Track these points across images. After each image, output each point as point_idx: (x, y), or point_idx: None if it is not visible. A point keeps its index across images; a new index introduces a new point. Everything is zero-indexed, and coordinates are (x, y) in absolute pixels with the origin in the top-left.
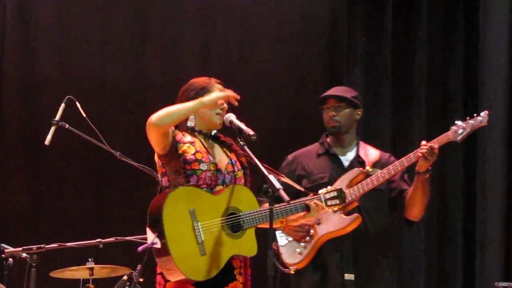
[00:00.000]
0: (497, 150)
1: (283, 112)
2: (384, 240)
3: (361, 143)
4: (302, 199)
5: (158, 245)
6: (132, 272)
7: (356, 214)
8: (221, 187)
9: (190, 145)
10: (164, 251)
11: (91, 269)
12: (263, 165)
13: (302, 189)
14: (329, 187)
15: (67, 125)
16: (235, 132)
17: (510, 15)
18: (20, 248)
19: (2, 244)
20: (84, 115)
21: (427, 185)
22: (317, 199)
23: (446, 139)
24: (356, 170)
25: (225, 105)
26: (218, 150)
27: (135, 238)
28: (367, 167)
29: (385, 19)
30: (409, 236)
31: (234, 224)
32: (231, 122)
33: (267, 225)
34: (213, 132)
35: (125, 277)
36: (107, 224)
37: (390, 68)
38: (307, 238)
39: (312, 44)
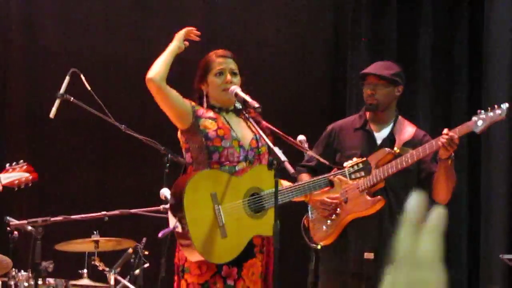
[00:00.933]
0: (500, 126)
1: (287, 90)
2: None
3: (400, 119)
4: (326, 174)
5: (179, 229)
6: (137, 245)
7: (379, 196)
8: (244, 163)
9: (213, 121)
10: (185, 235)
11: (97, 241)
12: (284, 136)
13: (327, 163)
14: (354, 159)
15: (72, 98)
16: (240, 104)
17: None
18: (25, 221)
19: (7, 217)
20: (89, 88)
21: (450, 171)
22: (341, 174)
23: (466, 129)
24: (383, 151)
25: (229, 77)
26: (242, 125)
27: (140, 211)
28: (395, 148)
29: None
30: None
31: (256, 204)
32: (236, 94)
33: (297, 199)
34: (237, 105)
35: (130, 250)
36: (112, 197)
37: (395, 45)
38: (334, 216)
39: (317, 22)
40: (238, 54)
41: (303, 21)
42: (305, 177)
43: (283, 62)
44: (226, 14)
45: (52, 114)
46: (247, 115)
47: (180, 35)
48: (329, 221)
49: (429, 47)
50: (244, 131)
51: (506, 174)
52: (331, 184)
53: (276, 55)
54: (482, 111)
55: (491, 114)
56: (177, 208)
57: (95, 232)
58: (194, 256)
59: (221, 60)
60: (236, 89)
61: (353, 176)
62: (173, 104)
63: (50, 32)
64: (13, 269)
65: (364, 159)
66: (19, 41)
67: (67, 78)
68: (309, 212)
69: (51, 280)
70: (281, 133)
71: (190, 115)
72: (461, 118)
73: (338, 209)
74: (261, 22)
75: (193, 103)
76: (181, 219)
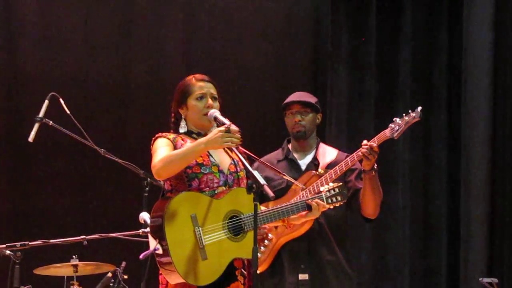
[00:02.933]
0: (480, 145)
1: (267, 109)
2: (340, 236)
3: (321, 145)
4: (304, 198)
5: (160, 251)
6: (117, 269)
7: None
8: (224, 188)
9: None
10: (165, 257)
11: (75, 266)
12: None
13: (303, 186)
14: (330, 184)
15: (51, 122)
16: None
17: (494, 10)
18: (4, 245)
19: None
20: (68, 112)
21: (376, 183)
22: (319, 198)
23: (384, 137)
24: (309, 173)
25: (210, 102)
26: (219, 150)
27: (119, 234)
28: (319, 170)
29: (369, 15)
30: (393, 232)
31: (235, 227)
32: (215, 118)
33: (271, 224)
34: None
35: (109, 274)
36: (91, 221)
37: (374, 64)
38: (266, 242)
39: (297, 41)
40: (218, 76)
41: (283, 43)
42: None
43: (263, 84)
44: (206, 36)
45: (31, 138)
46: None
47: (217, 143)
48: (262, 248)
49: (409, 67)
50: (222, 156)
51: (486, 198)
52: (308, 207)
53: (256, 76)
54: (398, 118)
55: (406, 118)
56: (158, 229)
57: (74, 256)
58: (174, 279)
59: (202, 84)
60: (215, 112)
61: (329, 201)
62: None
63: (30, 56)
64: None
65: (340, 184)
66: None
67: (46, 102)
68: None
69: None
70: (257, 158)
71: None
72: (441, 136)
73: (270, 234)
74: (241, 43)
75: (170, 137)
76: (161, 241)
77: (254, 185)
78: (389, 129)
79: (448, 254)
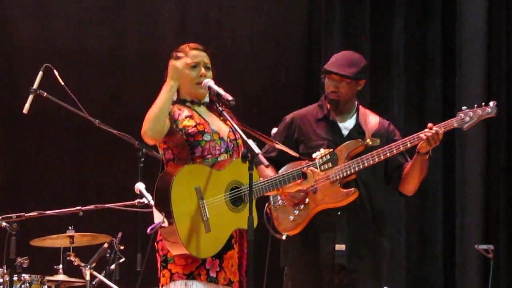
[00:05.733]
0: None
1: (261, 79)
2: (379, 211)
3: (361, 109)
4: (299, 167)
5: (166, 224)
6: (113, 240)
7: (353, 188)
8: (226, 155)
9: (190, 119)
10: (171, 229)
11: (72, 237)
12: (248, 130)
13: (297, 155)
14: (322, 150)
15: (45, 93)
16: (214, 97)
17: None
18: (0, 217)
19: None
20: (62, 83)
21: (425, 165)
22: (313, 166)
23: (451, 126)
24: (355, 142)
25: (203, 71)
26: (215, 119)
27: (115, 205)
28: (367, 140)
29: None
30: (389, 201)
31: (236, 198)
32: (209, 87)
33: (270, 193)
34: (206, 99)
35: (105, 245)
36: (87, 191)
37: (368, 33)
38: (302, 206)
39: (290, 11)
40: (212, 45)
41: (277, 13)
42: (269, 172)
43: (257, 54)
44: (200, 5)
45: (25, 110)
46: (220, 108)
47: (177, 72)
48: (296, 211)
49: (403, 38)
50: (219, 124)
51: (481, 163)
52: (304, 176)
53: (250, 45)
54: (467, 109)
55: (479, 111)
56: (163, 203)
57: (70, 227)
58: (177, 250)
59: (195, 53)
60: (209, 82)
61: (322, 168)
62: (163, 134)
63: (23, 27)
64: None
65: (331, 150)
66: None
67: (40, 73)
68: (272, 201)
69: (26, 276)
70: (249, 128)
71: (168, 124)
72: (435, 107)
73: (307, 199)
74: (235, 11)
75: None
76: (167, 214)
77: (249, 154)
78: (458, 118)
79: (444, 222)
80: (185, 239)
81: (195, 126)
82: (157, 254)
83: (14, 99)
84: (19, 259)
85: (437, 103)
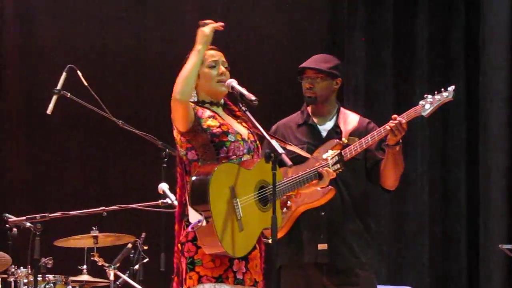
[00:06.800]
0: (499, 113)
1: (283, 79)
2: (361, 206)
3: (342, 110)
4: (314, 167)
5: (204, 223)
6: (137, 240)
7: (329, 186)
8: (248, 156)
9: (213, 119)
10: (209, 228)
11: (96, 237)
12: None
13: (309, 156)
14: (330, 152)
15: (69, 94)
16: (237, 97)
17: None
18: (24, 218)
19: (6, 214)
20: (86, 84)
21: (398, 157)
22: (326, 166)
23: (413, 114)
24: (332, 142)
25: (223, 69)
26: (233, 121)
27: (139, 205)
28: (343, 139)
29: None
30: (412, 200)
31: (264, 197)
32: (232, 87)
33: (288, 194)
34: (222, 101)
35: (129, 245)
36: (111, 192)
37: (391, 31)
38: (284, 209)
39: (313, 9)
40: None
41: (300, 11)
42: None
43: (279, 53)
44: (221, 5)
45: (49, 110)
46: (244, 108)
47: (205, 37)
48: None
49: (426, 38)
50: (237, 126)
51: (505, 164)
52: (320, 176)
53: (272, 45)
54: (429, 95)
55: (438, 97)
56: (201, 201)
57: (94, 228)
58: (212, 249)
59: (212, 53)
60: (233, 82)
61: (333, 168)
62: (189, 116)
63: (47, 28)
64: (13, 266)
65: (339, 151)
66: (15, 37)
67: (64, 74)
68: None
69: (50, 277)
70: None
71: (193, 117)
72: (458, 108)
73: (289, 202)
74: (257, 11)
75: (191, 104)
76: (205, 213)
77: (272, 154)
78: (419, 106)
79: (468, 221)
80: (222, 238)
81: (219, 126)
82: (181, 256)
83: (38, 100)
84: (43, 260)
85: (460, 104)
